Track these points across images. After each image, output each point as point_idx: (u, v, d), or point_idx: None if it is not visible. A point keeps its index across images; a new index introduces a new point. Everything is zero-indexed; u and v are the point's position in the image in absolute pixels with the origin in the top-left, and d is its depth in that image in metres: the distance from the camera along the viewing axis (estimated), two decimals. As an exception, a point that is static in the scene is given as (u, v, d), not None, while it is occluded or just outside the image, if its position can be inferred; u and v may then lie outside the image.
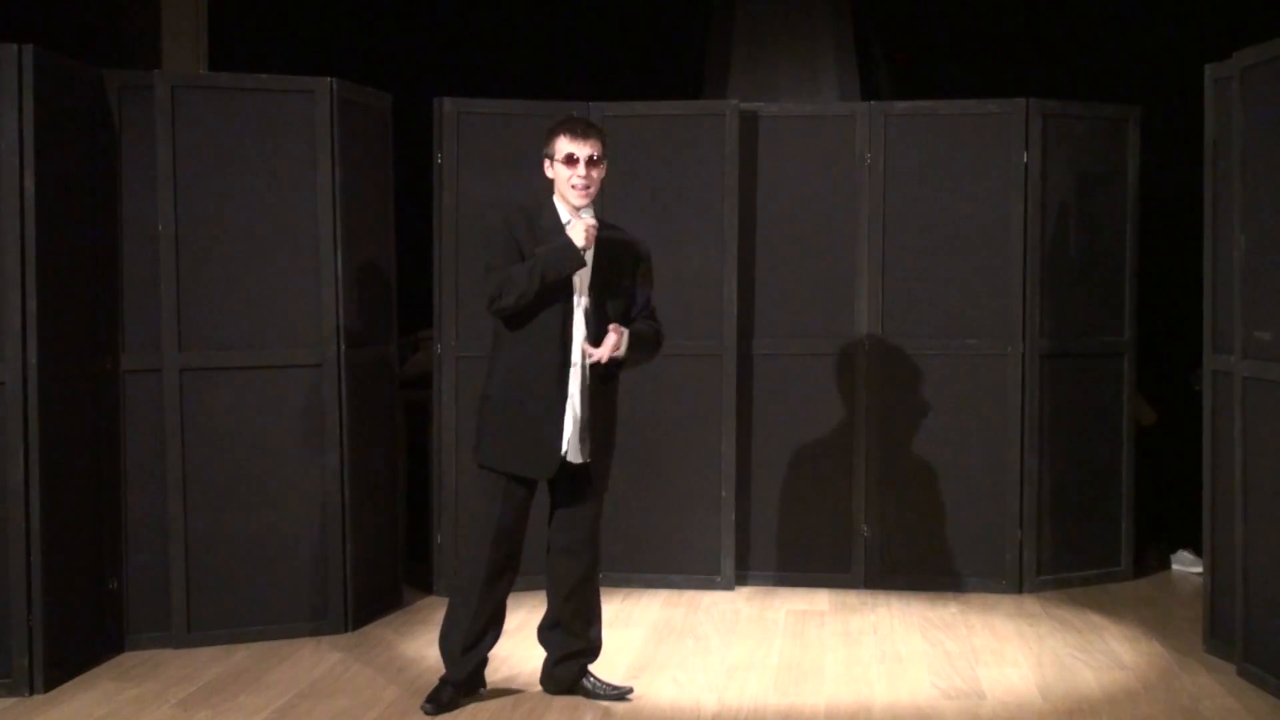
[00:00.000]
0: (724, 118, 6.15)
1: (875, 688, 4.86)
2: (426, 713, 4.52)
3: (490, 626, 4.57)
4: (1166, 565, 6.61)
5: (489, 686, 4.72)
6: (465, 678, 4.59)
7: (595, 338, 4.45)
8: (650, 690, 4.78)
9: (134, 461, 5.25)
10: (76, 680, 4.90)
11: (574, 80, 7.09)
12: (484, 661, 4.65)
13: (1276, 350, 4.72)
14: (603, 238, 4.49)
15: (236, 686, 4.84)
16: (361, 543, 5.61)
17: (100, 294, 5.16)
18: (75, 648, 4.98)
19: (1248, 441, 4.89)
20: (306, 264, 5.44)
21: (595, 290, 4.48)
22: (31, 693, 4.74)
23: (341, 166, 5.47)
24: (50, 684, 4.79)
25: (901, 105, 6.29)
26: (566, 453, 4.45)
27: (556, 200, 4.52)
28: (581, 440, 4.47)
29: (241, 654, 5.22)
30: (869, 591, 6.18)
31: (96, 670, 5.03)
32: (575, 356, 4.45)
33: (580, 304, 4.46)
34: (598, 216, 4.56)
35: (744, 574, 6.26)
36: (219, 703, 4.67)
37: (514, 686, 4.81)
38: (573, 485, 4.54)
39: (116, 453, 5.22)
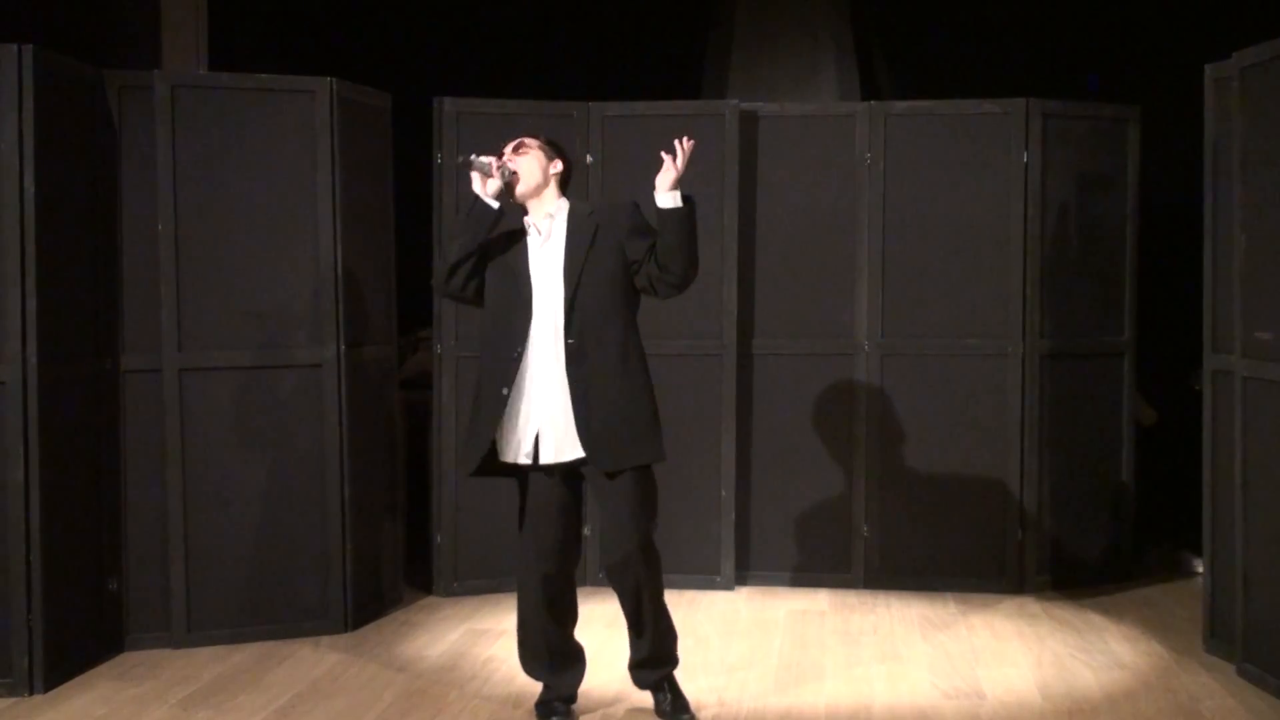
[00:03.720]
0: (724, 118, 6.14)
1: (875, 688, 4.86)
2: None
3: (575, 646, 4.49)
4: (1166, 565, 6.61)
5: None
6: (572, 693, 4.51)
7: (582, 325, 4.23)
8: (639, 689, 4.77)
9: (134, 462, 5.25)
10: (76, 680, 4.90)
11: (574, 80, 7.09)
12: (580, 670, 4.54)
13: (1276, 350, 4.72)
14: (574, 213, 4.35)
15: (236, 686, 4.84)
16: (361, 543, 5.61)
17: (100, 294, 5.16)
18: (75, 648, 4.98)
19: (1248, 441, 4.89)
20: (306, 264, 5.44)
21: (569, 268, 4.27)
22: (31, 693, 4.74)
23: (341, 166, 5.47)
24: (50, 684, 4.79)
25: (901, 105, 6.29)
26: (532, 453, 4.26)
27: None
28: (558, 437, 4.25)
29: (241, 654, 5.22)
30: (869, 591, 6.18)
31: (96, 670, 5.03)
32: (533, 349, 4.25)
33: (549, 292, 4.28)
34: (571, 200, 4.43)
35: (744, 574, 6.26)
36: (219, 703, 4.67)
37: (513, 688, 4.81)
38: (601, 490, 4.35)
39: (116, 453, 5.22)
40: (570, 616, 4.50)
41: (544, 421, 4.28)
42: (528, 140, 4.44)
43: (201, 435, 5.29)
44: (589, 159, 6.09)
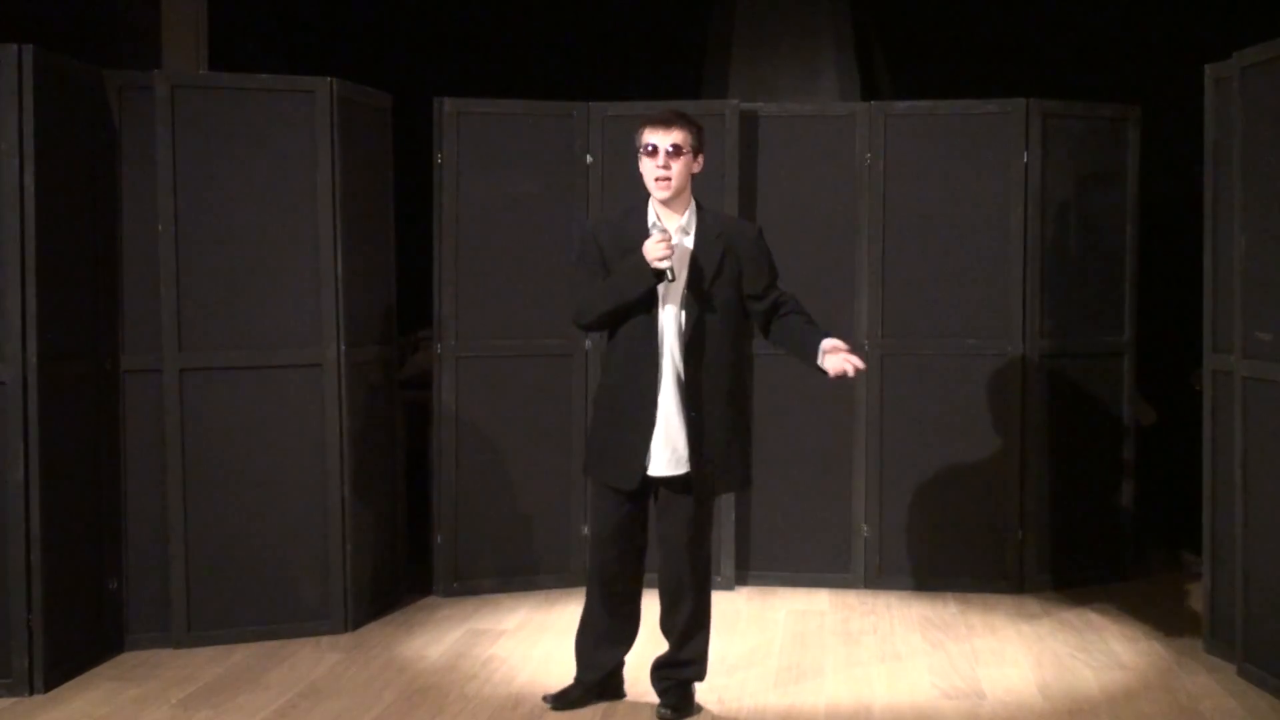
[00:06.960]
0: (724, 118, 6.15)
1: (875, 688, 4.86)
2: (548, 705, 4.54)
3: (619, 632, 4.54)
4: (1167, 565, 6.61)
5: (627, 696, 4.66)
6: (599, 680, 4.56)
7: (691, 336, 4.31)
8: (650, 691, 4.76)
9: (134, 462, 5.24)
10: (76, 680, 4.90)
11: (574, 80, 7.10)
12: (619, 666, 4.60)
13: (1276, 350, 4.72)
14: (703, 228, 4.34)
15: (236, 686, 4.84)
16: (361, 543, 5.61)
17: (100, 294, 5.16)
18: (75, 648, 4.98)
19: (1248, 441, 4.89)
20: (306, 264, 5.44)
21: (693, 289, 4.31)
22: (31, 693, 4.74)
23: (341, 166, 5.47)
24: (50, 684, 4.79)
25: (901, 105, 6.29)
26: (649, 467, 4.33)
27: (651, 199, 4.36)
28: (674, 453, 4.33)
29: (241, 654, 5.22)
30: (869, 591, 6.18)
31: (96, 670, 5.03)
32: (665, 365, 4.32)
33: (670, 310, 4.32)
34: (703, 206, 4.42)
35: (744, 574, 6.26)
36: (219, 703, 4.67)
37: (513, 688, 4.81)
38: (672, 492, 4.40)
39: (116, 453, 5.22)
40: (632, 627, 4.57)
41: (662, 438, 4.33)
42: (678, 134, 4.25)
43: (201, 435, 5.29)
44: (589, 159, 6.10)
